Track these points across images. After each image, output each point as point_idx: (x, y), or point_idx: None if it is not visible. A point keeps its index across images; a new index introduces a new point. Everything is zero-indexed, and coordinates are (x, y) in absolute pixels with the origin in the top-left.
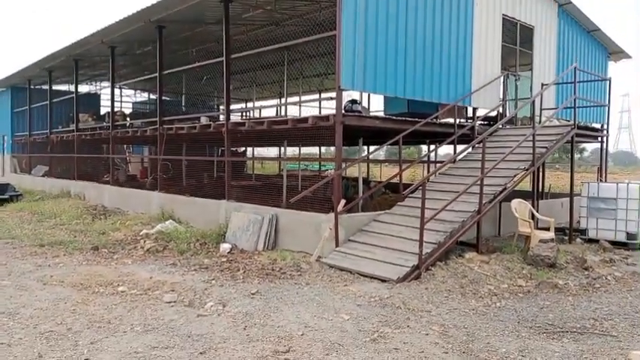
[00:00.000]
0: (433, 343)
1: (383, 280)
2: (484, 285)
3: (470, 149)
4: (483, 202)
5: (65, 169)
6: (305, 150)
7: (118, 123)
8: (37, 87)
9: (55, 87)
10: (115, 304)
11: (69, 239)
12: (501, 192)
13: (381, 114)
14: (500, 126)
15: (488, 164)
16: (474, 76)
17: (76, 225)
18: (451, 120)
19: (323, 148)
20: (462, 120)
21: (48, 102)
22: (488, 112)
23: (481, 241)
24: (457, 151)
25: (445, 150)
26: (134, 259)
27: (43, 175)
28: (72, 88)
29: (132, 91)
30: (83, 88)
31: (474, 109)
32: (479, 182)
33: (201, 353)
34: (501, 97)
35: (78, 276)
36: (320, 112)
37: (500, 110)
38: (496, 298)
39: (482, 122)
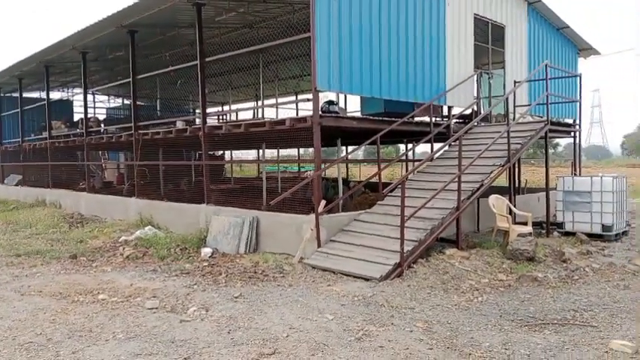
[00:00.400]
0: (418, 340)
1: (366, 279)
2: (465, 280)
3: (446, 147)
4: (462, 198)
5: (39, 177)
6: (284, 152)
7: (92, 129)
8: (7, 95)
9: (26, 94)
10: (96, 313)
11: (46, 248)
12: (479, 188)
13: (359, 114)
14: (476, 124)
15: (465, 161)
16: (449, 75)
17: (53, 234)
18: (427, 119)
19: (302, 150)
20: (438, 119)
21: (19, 110)
22: (463, 111)
23: (461, 237)
24: (434, 150)
25: (423, 148)
26: (114, 266)
27: (16, 184)
28: (43, 95)
29: (105, 97)
30: (55, 95)
31: (449, 108)
32: (456, 179)
33: (185, 359)
34: (475, 95)
35: (56, 285)
36: (297, 114)
37: (475, 108)
38: (478, 292)
39: (458, 120)
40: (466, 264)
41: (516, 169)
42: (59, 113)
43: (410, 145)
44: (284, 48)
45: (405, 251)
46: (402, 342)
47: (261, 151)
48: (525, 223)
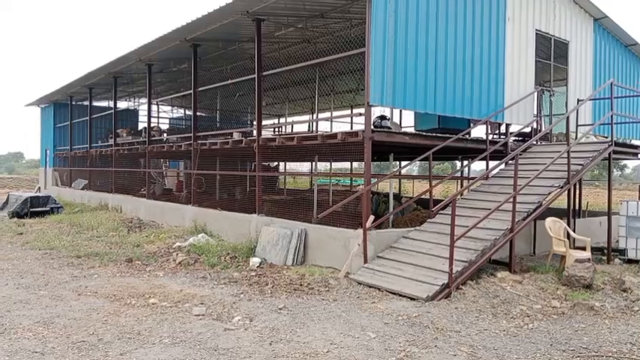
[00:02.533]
0: None
1: (412, 299)
2: (516, 305)
3: (503, 165)
4: (516, 219)
5: (103, 182)
6: (337, 165)
7: (154, 138)
8: (78, 103)
9: (95, 103)
10: (146, 316)
11: (104, 251)
12: (535, 210)
13: (412, 130)
14: (535, 142)
15: (522, 181)
16: (507, 92)
17: (112, 237)
18: (483, 136)
19: (355, 163)
20: (495, 136)
21: (88, 118)
22: (522, 129)
23: (514, 260)
24: (490, 168)
25: (479, 166)
26: (166, 271)
27: (82, 188)
28: (111, 104)
29: (169, 107)
30: (122, 104)
31: (507, 125)
32: (512, 199)
33: None
34: (535, 112)
35: (111, 287)
36: (351, 128)
37: (535, 126)
38: (528, 319)
39: (516, 138)
40: (518, 288)
41: (577, 191)
42: (125, 122)
43: (465, 162)
44: (340, 62)
45: (454, 272)
46: None
47: (314, 163)
48: (584, 248)
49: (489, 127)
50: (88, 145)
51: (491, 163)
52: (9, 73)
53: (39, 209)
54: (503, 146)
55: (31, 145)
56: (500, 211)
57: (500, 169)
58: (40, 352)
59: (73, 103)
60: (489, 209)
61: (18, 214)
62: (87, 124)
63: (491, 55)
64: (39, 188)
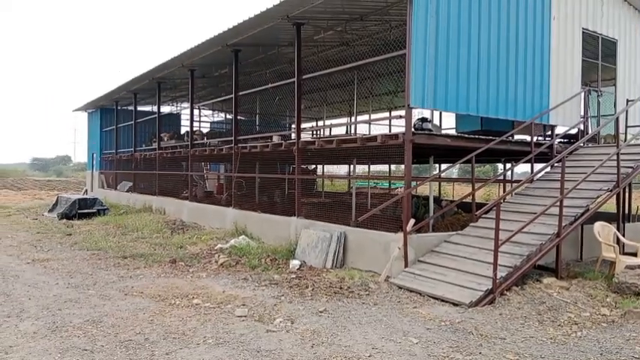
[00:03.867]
0: None
1: (454, 304)
2: (564, 313)
3: (548, 168)
4: (563, 224)
5: (147, 185)
6: (375, 167)
7: (196, 142)
8: (123, 108)
9: (139, 108)
10: (190, 317)
11: (149, 252)
12: (583, 214)
13: (454, 132)
14: (582, 144)
15: (569, 184)
16: (552, 93)
17: (156, 238)
18: (528, 138)
19: (393, 166)
20: (540, 138)
21: (133, 122)
22: (568, 130)
23: (561, 265)
24: (535, 171)
25: (522, 169)
26: (209, 272)
27: (127, 191)
28: (155, 108)
29: (210, 112)
30: (165, 109)
31: (553, 127)
32: (558, 203)
33: None
34: (582, 114)
35: (156, 287)
36: (390, 130)
37: (581, 128)
38: (577, 327)
39: (562, 140)
40: (565, 295)
41: (627, 195)
42: (168, 126)
43: (508, 165)
44: (379, 64)
45: (498, 277)
46: None
47: (352, 166)
48: (634, 254)
49: (534, 128)
50: (132, 149)
51: (537, 166)
52: (57, 78)
53: (86, 211)
54: (549, 148)
55: (78, 149)
56: (546, 215)
57: (545, 172)
58: (90, 350)
59: (119, 107)
60: (534, 213)
61: (67, 216)
62: (132, 129)
63: (535, 55)
64: (86, 190)
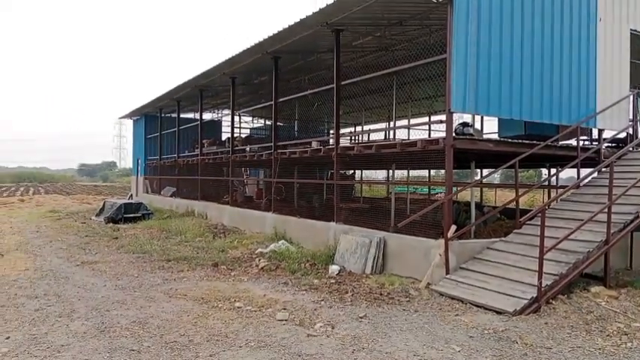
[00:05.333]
0: None
1: (497, 312)
2: (612, 322)
3: (595, 174)
4: (612, 231)
5: (190, 190)
6: (413, 173)
7: (237, 148)
8: (166, 115)
9: (181, 115)
10: (232, 319)
11: (192, 255)
12: (633, 221)
13: (496, 136)
14: (631, 149)
15: (617, 190)
16: (599, 96)
17: (199, 242)
18: (574, 142)
19: (432, 171)
20: (587, 142)
21: (176, 129)
22: (617, 134)
23: (609, 274)
24: (581, 176)
25: (568, 174)
26: (250, 276)
27: (171, 196)
28: (196, 115)
29: (250, 118)
30: (206, 116)
31: (600, 131)
32: (606, 209)
33: None
34: (631, 117)
35: (199, 290)
36: (429, 135)
37: (630, 132)
38: (627, 337)
39: (610, 145)
40: (614, 304)
41: None
42: (209, 132)
43: (553, 170)
44: (419, 69)
45: (543, 285)
46: None
47: (390, 171)
48: None
49: (580, 133)
50: (175, 155)
51: (583, 171)
52: (104, 87)
53: (132, 215)
54: (596, 153)
55: (123, 155)
56: (594, 222)
57: (592, 178)
58: (137, 350)
59: (162, 115)
60: (581, 220)
61: (113, 220)
62: (175, 135)
63: (581, 56)
64: (131, 195)
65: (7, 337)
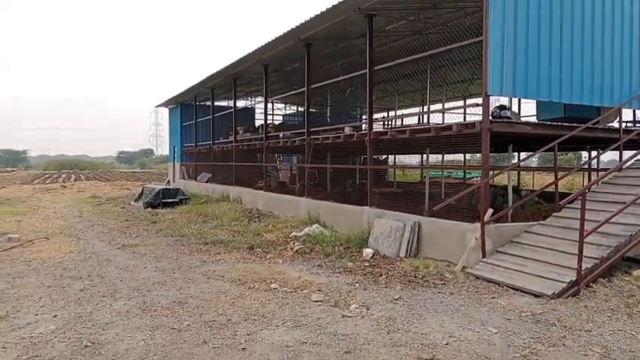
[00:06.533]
0: None
1: (535, 295)
2: None
3: (638, 156)
4: None
5: (225, 175)
6: (448, 157)
7: (270, 134)
8: (201, 103)
9: (216, 103)
10: (268, 300)
11: (228, 239)
12: None
13: (533, 119)
14: None
15: None
16: None
17: (235, 226)
18: (616, 124)
19: (468, 155)
20: (630, 124)
21: (211, 116)
22: None
23: None
24: (624, 159)
25: (609, 157)
26: (284, 259)
27: (206, 181)
28: (230, 103)
29: (282, 105)
30: (240, 103)
31: None
32: None
33: (346, 352)
34: None
35: (236, 272)
36: (464, 119)
37: None
38: None
39: None
40: None
41: None
42: (243, 119)
43: (594, 153)
44: (454, 52)
45: (583, 269)
46: None
47: (424, 156)
48: None
49: (623, 114)
50: (211, 142)
51: (626, 154)
52: (140, 76)
53: (169, 200)
54: (638, 135)
55: (159, 142)
56: (637, 205)
57: (635, 160)
58: (178, 328)
59: (197, 103)
60: (623, 203)
61: (152, 205)
62: (210, 123)
63: (624, 36)
64: (168, 181)
65: (55, 316)
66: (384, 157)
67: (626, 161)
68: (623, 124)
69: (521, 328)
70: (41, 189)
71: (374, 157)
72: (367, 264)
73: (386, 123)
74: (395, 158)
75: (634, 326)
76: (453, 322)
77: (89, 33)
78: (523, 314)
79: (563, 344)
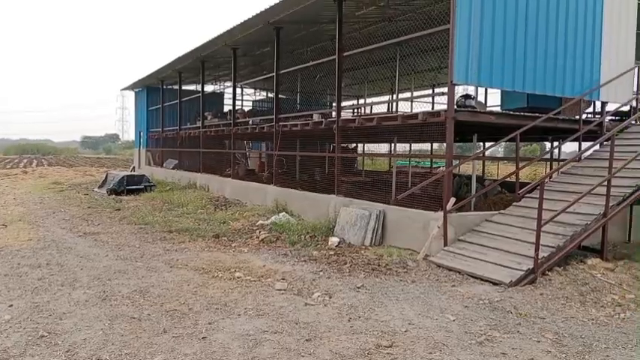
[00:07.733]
0: (545, 351)
1: (494, 283)
2: (607, 294)
3: (597, 147)
4: (610, 204)
5: (192, 162)
6: (417, 146)
7: (238, 120)
8: (168, 87)
9: (183, 87)
10: (232, 289)
11: (193, 227)
12: (632, 194)
13: (499, 109)
14: (634, 122)
15: (618, 163)
16: (604, 68)
17: (200, 214)
18: (576, 115)
19: (436, 145)
20: (590, 115)
21: (178, 101)
22: (620, 107)
23: (606, 246)
24: (582, 149)
25: (571, 147)
26: (250, 247)
27: (173, 168)
28: (198, 87)
29: (252, 90)
30: (208, 88)
31: (603, 104)
32: (606, 182)
33: (307, 340)
34: (635, 90)
35: (200, 261)
36: (433, 108)
37: (634, 104)
38: (620, 308)
39: (613, 118)
40: (610, 276)
41: None
42: (211, 105)
43: (555, 144)
44: (422, 40)
45: (540, 257)
46: (527, 351)
47: (392, 145)
48: None
49: (583, 105)
50: (177, 127)
51: (585, 145)
52: (105, 59)
53: (134, 187)
54: (598, 126)
55: (125, 128)
56: (593, 195)
57: (594, 151)
58: (138, 318)
59: (164, 87)
60: (580, 193)
61: (115, 192)
62: (177, 107)
63: (587, 28)
64: (133, 168)
65: (10, 305)
66: (354, 145)
67: (584, 152)
68: (584, 116)
69: (478, 316)
70: (0, 174)
71: (343, 145)
72: (332, 252)
73: (355, 111)
74: (364, 147)
75: (586, 313)
76: (413, 309)
77: (53, 6)
78: (481, 302)
79: (518, 331)
